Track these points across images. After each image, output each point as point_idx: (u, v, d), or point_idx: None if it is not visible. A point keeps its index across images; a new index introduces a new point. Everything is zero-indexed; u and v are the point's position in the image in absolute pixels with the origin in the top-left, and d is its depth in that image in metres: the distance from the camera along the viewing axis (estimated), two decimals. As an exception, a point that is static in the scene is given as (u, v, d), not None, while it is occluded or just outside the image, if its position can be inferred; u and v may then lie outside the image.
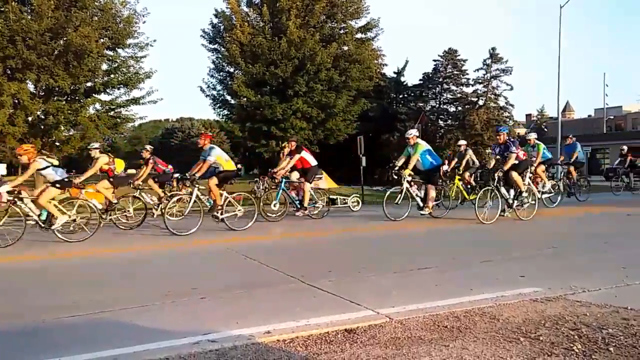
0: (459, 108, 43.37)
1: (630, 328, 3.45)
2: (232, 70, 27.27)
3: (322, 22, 26.75)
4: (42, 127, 18.81)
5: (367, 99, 29.00)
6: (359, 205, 13.17)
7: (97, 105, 20.13)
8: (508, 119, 43.01)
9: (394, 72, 44.55)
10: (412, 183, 10.69)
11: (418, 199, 10.57)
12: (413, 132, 11.29)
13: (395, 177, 10.62)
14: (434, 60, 43.42)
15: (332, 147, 29.26)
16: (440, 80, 43.24)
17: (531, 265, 5.80)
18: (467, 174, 13.18)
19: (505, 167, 10.06)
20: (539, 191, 12.18)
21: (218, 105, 28.70)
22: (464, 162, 13.66)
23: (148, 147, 12.00)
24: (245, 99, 25.24)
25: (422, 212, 10.40)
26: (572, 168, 14.52)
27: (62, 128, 19.39)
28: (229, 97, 28.17)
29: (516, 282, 4.87)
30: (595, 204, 13.84)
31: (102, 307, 4.22)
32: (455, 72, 43.14)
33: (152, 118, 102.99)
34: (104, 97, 20.25)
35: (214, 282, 5.31)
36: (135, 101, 20.27)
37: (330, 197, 13.07)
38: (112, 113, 20.33)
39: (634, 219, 10.77)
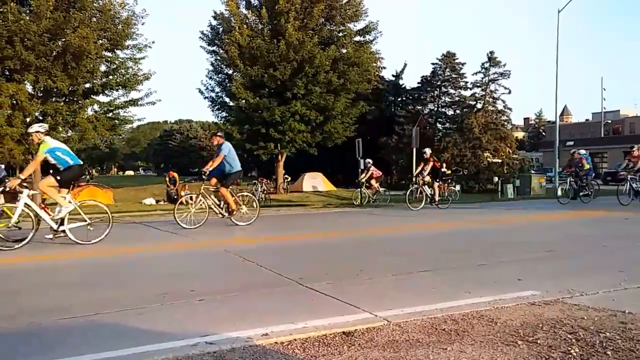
0: (457, 111, 43.38)
1: (628, 332, 3.45)
2: (230, 72, 27.30)
3: (320, 24, 26.79)
4: (40, 128, 18.76)
5: (365, 101, 29.03)
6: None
7: (96, 107, 20.10)
8: (506, 122, 43.04)
9: (393, 75, 44.66)
10: None
11: None
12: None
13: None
14: (433, 64, 43.44)
15: (330, 149, 29.29)
16: (439, 83, 43.26)
17: (529, 268, 5.81)
18: None
19: None
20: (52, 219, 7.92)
21: (216, 107, 28.72)
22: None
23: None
24: (243, 101, 25.27)
25: None
26: (218, 184, 10.38)
27: (61, 129, 19.32)
28: (227, 99, 28.19)
29: (514, 285, 4.87)
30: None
31: (98, 309, 4.20)
32: (454, 76, 43.15)
33: (150, 120, 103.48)
34: (102, 98, 20.24)
35: (212, 284, 5.30)
36: (134, 103, 20.26)
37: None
38: (110, 114, 20.29)
39: (632, 223, 10.79)
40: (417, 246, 8.19)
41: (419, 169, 15.29)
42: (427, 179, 14.77)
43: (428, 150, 15.44)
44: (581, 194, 16.11)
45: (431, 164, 14.94)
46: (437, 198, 14.78)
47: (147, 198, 22.28)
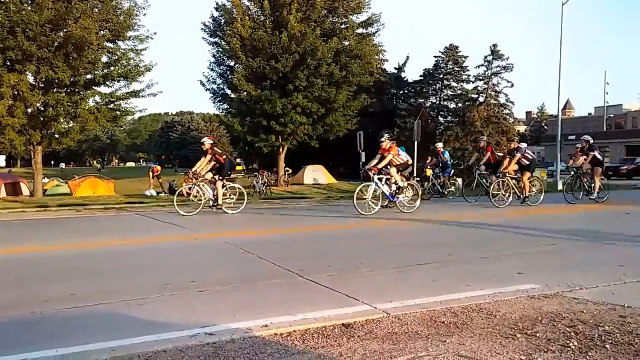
0: (460, 105, 43.36)
1: (627, 326, 3.46)
2: (232, 64, 27.16)
3: (323, 16, 26.62)
4: (42, 119, 18.74)
5: (367, 94, 28.92)
6: None
7: (97, 98, 20.06)
8: (508, 116, 42.96)
9: (395, 68, 44.56)
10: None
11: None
12: None
13: None
14: (435, 57, 43.37)
15: (332, 142, 29.23)
16: (441, 76, 43.17)
17: (529, 262, 5.82)
18: None
19: None
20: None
21: (218, 99, 28.62)
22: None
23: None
24: (245, 93, 25.17)
25: None
26: None
27: (62, 120, 19.31)
28: (229, 91, 28.08)
29: (514, 279, 4.88)
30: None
31: (100, 299, 4.23)
32: (456, 69, 43.08)
33: (152, 111, 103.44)
34: (104, 89, 20.19)
35: (213, 276, 5.32)
36: (135, 94, 20.21)
37: None
38: (112, 106, 20.26)
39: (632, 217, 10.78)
40: (418, 239, 8.20)
41: (197, 164, 12.18)
42: (209, 176, 11.94)
43: (207, 141, 12.24)
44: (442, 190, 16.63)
45: (209, 157, 11.95)
46: (220, 201, 11.86)
47: (148, 190, 22.31)
